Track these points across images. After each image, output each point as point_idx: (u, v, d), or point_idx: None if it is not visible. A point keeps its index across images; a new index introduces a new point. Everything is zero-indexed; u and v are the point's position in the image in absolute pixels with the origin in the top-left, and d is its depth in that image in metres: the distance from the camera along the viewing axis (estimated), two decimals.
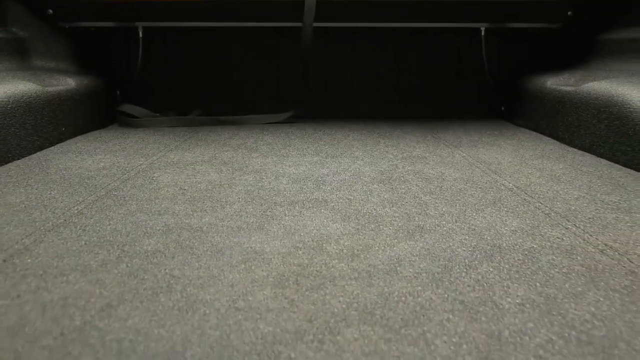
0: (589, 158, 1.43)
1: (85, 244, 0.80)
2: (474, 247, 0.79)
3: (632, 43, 1.70)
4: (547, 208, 0.98)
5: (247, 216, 0.93)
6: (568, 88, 1.71)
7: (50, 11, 1.89)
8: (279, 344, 0.52)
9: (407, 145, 1.61)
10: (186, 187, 1.12)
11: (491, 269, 0.71)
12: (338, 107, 2.35)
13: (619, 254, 0.76)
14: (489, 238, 0.83)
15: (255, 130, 1.90)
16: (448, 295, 0.63)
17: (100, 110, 1.99)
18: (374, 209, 0.97)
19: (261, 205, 1.00)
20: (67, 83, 1.79)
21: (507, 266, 0.72)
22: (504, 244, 0.80)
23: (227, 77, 2.33)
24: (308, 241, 0.81)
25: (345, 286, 0.65)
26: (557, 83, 1.82)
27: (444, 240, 0.82)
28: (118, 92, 2.21)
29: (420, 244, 0.80)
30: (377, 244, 0.80)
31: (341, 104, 2.36)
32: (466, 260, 0.74)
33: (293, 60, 2.27)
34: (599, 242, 0.81)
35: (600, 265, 0.72)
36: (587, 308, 0.60)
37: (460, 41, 2.31)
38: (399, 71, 2.35)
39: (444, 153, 1.50)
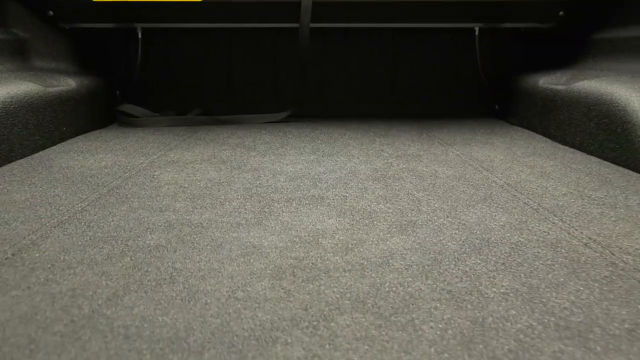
0: (579, 155, 1.46)
1: (90, 239, 0.83)
2: (463, 241, 0.82)
3: (622, 42, 1.74)
4: (535, 204, 1.02)
5: (245, 212, 0.97)
6: (560, 87, 1.74)
7: (51, 12, 1.92)
8: (276, 330, 0.55)
9: (402, 144, 1.64)
10: (186, 185, 1.16)
11: (479, 261, 0.74)
12: (335, 107, 2.39)
13: (601, 246, 0.80)
14: (478, 232, 0.86)
15: (253, 129, 1.93)
16: (437, 286, 0.66)
17: (100, 110, 2.02)
18: (368, 206, 1.01)
19: (259, 202, 1.03)
20: (68, 83, 1.81)
21: (494, 258, 0.75)
22: (493, 238, 0.84)
23: (225, 77, 2.36)
24: (304, 236, 0.84)
25: (339, 278, 0.68)
26: (549, 82, 1.86)
27: (435, 234, 0.85)
28: (118, 92, 2.24)
29: (412, 238, 0.83)
30: (371, 239, 0.83)
31: (338, 104, 2.39)
32: (455, 253, 0.77)
33: (291, 61, 2.30)
34: (584, 236, 0.84)
35: (583, 258, 0.76)
36: (567, 297, 0.63)
37: (455, 41, 2.34)
38: (395, 71, 2.38)
39: (438, 151, 1.53)
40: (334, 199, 1.05)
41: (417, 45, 2.35)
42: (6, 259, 0.75)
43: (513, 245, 0.80)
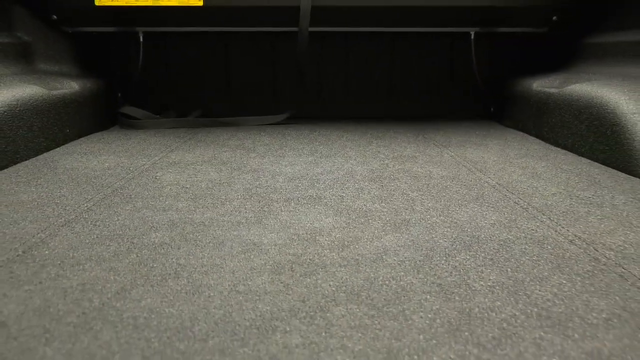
0: (570, 157, 1.50)
1: (97, 237, 0.87)
2: (454, 239, 0.86)
3: (613, 47, 1.78)
4: (525, 203, 1.06)
5: (245, 212, 1.00)
6: (552, 90, 1.78)
7: (54, 16, 1.96)
8: (275, 320, 0.59)
9: (399, 146, 1.68)
10: (188, 186, 1.19)
11: (468, 257, 0.78)
12: (333, 109, 2.43)
13: (586, 243, 0.84)
14: (469, 230, 0.90)
15: (252, 131, 1.97)
16: (427, 279, 0.70)
17: (102, 112, 2.06)
18: (364, 205, 1.05)
19: (259, 202, 1.07)
20: (71, 86, 1.85)
21: (483, 254, 0.79)
22: (482, 235, 0.87)
23: (224, 80, 2.40)
24: (302, 234, 0.88)
25: (335, 272, 0.72)
26: (543, 85, 1.90)
27: (427, 232, 0.89)
28: (119, 95, 2.27)
29: (406, 236, 0.87)
30: (366, 236, 0.87)
31: (336, 106, 2.43)
32: (446, 250, 0.81)
33: (289, 64, 2.34)
34: (569, 233, 0.88)
35: (568, 254, 0.80)
36: (550, 289, 0.67)
37: (452, 45, 2.38)
38: (393, 74, 2.43)
39: (433, 153, 1.57)
40: (331, 199, 1.09)
41: (415, 48, 2.39)
42: (17, 256, 0.79)
43: (502, 242, 0.84)
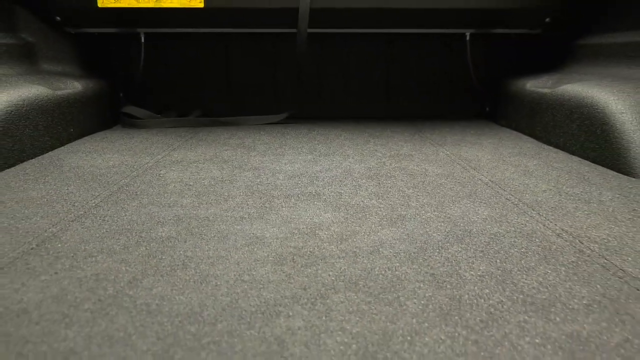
0: (562, 155, 1.55)
1: (106, 231, 0.91)
2: (447, 232, 0.90)
3: (605, 48, 1.83)
4: (516, 199, 1.10)
5: (248, 208, 1.05)
6: (545, 90, 1.83)
7: (58, 18, 1.99)
8: (279, 306, 0.63)
9: (395, 144, 1.72)
10: (191, 183, 1.23)
11: (460, 250, 0.82)
12: (331, 109, 2.47)
13: (572, 237, 0.88)
14: (461, 225, 0.94)
15: (252, 130, 2.01)
16: (421, 270, 0.74)
17: (105, 111, 2.10)
18: (362, 201, 1.09)
19: (260, 198, 1.11)
20: (75, 86, 1.89)
21: (474, 247, 0.83)
22: (474, 229, 0.92)
23: (225, 80, 2.44)
24: (303, 228, 0.92)
25: (335, 263, 0.76)
26: (536, 85, 1.94)
27: (422, 226, 0.93)
28: (121, 95, 2.31)
29: (401, 230, 0.91)
30: (363, 230, 0.91)
31: (334, 106, 2.48)
32: (439, 243, 0.85)
33: (289, 64, 2.38)
34: (557, 227, 0.93)
35: (554, 246, 0.84)
36: (536, 278, 0.71)
37: (448, 46, 2.43)
38: (390, 74, 2.47)
39: (429, 151, 1.62)
40: (329, 196, 1.13)
41: (412, 49, 2.44)
42: (31, 249, 0.83)
43: (492, 236, 0.88)
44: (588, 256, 0.80)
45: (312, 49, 2.35)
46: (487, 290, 0.67)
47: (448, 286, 0.69)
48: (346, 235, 0.89)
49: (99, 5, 1.94)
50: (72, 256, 0.79)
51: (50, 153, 1.57)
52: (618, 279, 0.72)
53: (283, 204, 1.07)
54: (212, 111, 2.35)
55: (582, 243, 0.85)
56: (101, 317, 0.60)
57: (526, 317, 0.61)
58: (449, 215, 1.00)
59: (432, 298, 0.65)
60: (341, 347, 0.54)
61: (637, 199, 1.09)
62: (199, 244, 0.84)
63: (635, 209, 1.02)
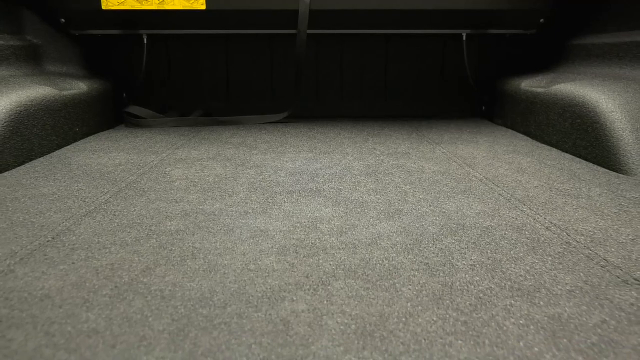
0: (555, 153, 1.60)
1: (117, 225, 0.95)
2: (442, 226, 0.95)
3: (597, 48, 1.88)
4: (508, 195, 1.15)
5: (251, 203, 1.09)
6: (539, 89, 1.88)
7: (62, 20, 2.04)
8: (283, 291, 0.68)
9: (393, 143, 1.77)
10: (196, 180, 1.28)
11: (453, 241, 0.87)
12: (331, 108, 2.52)
13: (560, 229, 0.93)
14: (455, 218, 0.99)
15: (253, 129, 2.06)
16: (416, 259, 0.79)
17: (109, 111, 2.14)
18: (361, 197, 1.14)
19: (263, 194, 1.16)
20: (80, 87, 1.93)
21: (466, 239, 0.88)
22: (467, 223, 0.97)
23: (225, 80, 2.49)
24: (304, 222, 0.97)
25: (335, 254, 0.81)
26: (530, 85, 1.99)
27: (417, 220, 0.98)
28: (124, 95, 2.36)
29: (398, 224, 0.96)
30: (362, 224, 0.96)
31: (334, 105, 2.53)
32: (434, 235, 0.90)
33: (289, 64, 2.43)
34: (546, 221, 0.98)
35: (543, 238, 0.89)
36: (523, 267, 0.76)
37: (445, 47, 2.48)
38: (388, 74, 2.52)
39: (426, 149, 1.66)
40: (329, 191, 1.18)
41: (409, 49, 2.49)
42: (47, 241, 0.87)
43: (484, 229, 0.93)
44: (574, 247, 0.84)
45: (311, 50, 2.40)
46: (477, 278, 0.72)
47: (441, 274, 0.73)
48: (346, 228, 0.93)
49: (103, 7, 1.99)
50: (87, 248, 0.84)
51: (57, 152, 1.62)
52: (600, 268, 0.76)
53: (285, 199, 1.12)
54: (213, 110, 2.40)
55: (569, 235, 0.90)
56: (119, 302, 0.65)
57: (512, 301, 0.65)
58: (443, 210, 1.04)
59: (426, 284, 0.70)
60: (341, 327, 0.59)
61: (624, 194, 1.13)
62: (206, 237, 0.89)
63: (621, 204, 1.07)
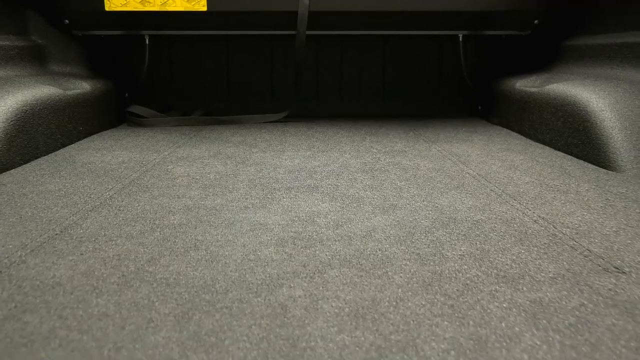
0: (547, 151, 1.64)
1: (122, 219, 0.99)
2: (434, 219, 0.99)
3: (590, 49, 1.92)
4: (500, 190, 1.19)
5: (251, 199, 1.13)
6: (533, 89, 1.92)
7: (66, 21, 2.08)
8: (281, 279, 0.72)
9: (390, 141, 1.81)
10: (198, 177, 1.32)
11: (445, 234, 0.91)
12: (329, 108, 2.56)
13: (547, 222, 0.97)
14: (447, 213, 1.03)
15: (253, 128, 2.10)
16: (408, 250, 0.83)
17: (111, 111, 2.19)
18: (357, 193, 1.18)
19: (262, 190, 1.20)
20: (83, 87, 1.97)
21: (457, 232, 0.92)
22: (459, 217, 1.01)
23: (225, 80, 2.53)
24: (302, 216, 1.01)
25: (331, 245, 0.85)
26: (525, 85, 2.03)
27: (411, 214, 1.02)
28: (126, 95, 2.40)
29: (392, 217, 1.00)
30: (357, 218, 1.00)
31: (332, 105, 2.57)
32: (426, 228, 0.94)
33: (288, 65, 2.47)
34: (534, 215, 1.02)
35: (530, 230, 0.93)
36: (510, 257, 0.80)
37: (442, 47, 2.52)
38: (386, 74, 2.56)
39: (422, 147, 1.70)
40: (327, 188, 1.22)
41: (407, 50, 2.53)
42: (56, 234, 0.91)
43: (475, 222, 0.97)
44: (559, 239, 0.88)
45: (311, 51, 2.44)
46: (465, 267, 0.76)
47: (431, 263, 0.77)
48: (342, 222, 0.97)
49: (106, 8, 2.03)
50: (94, 240, 0.88)
51: (62, 150, 1.66)
52: (583, 257, 0.80)
53: (284, 195, 1.16)
54: (214, 110, 2.44)
55: (556, 228, 0.94)
56: (127, 289, 0.69)
57: (497, 287, 0.69)
58: (436, 205, 1.08)
59: (417, 273, 0.74)
60: (336, 310, 0.63)
61: (612, 190, 1.17)
62: (208, 230, 0.93)
63: (608, 199, 1.11)
